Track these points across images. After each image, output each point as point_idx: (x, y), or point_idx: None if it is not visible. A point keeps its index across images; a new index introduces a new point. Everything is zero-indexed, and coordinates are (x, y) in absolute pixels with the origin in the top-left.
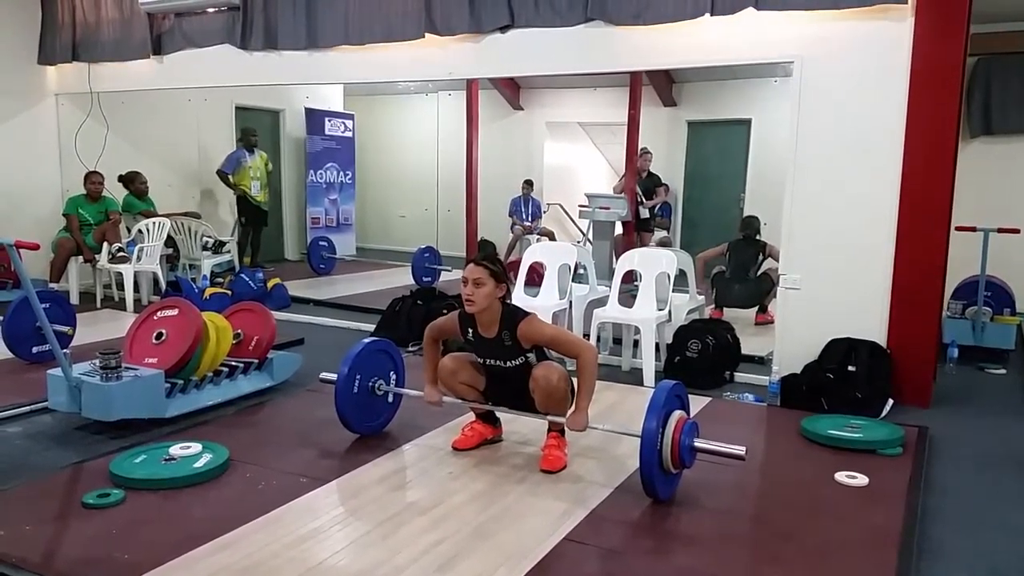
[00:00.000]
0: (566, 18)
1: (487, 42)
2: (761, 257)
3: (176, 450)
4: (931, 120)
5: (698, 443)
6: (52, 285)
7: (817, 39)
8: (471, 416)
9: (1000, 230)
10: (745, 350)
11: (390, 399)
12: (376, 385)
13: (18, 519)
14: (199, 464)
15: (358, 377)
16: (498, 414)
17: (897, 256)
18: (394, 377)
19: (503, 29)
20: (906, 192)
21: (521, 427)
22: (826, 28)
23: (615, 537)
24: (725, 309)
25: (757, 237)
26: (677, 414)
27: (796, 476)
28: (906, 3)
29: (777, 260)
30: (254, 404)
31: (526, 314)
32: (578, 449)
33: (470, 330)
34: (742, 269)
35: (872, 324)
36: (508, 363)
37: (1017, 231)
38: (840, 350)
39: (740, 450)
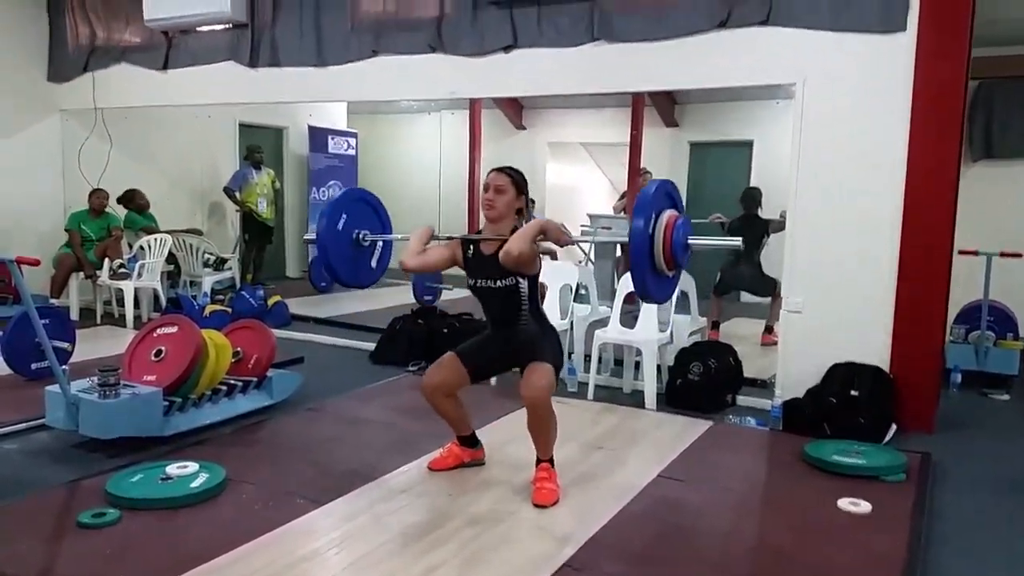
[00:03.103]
0: (570, 39)
1: (490, 62)
2: (766, 237)
3: (173, 469)
4: (933, 143)
5: (692, 240)
6: (52, 300)
7: (819, 62)
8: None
9: (1003, 254)
10: (747, 373)
11: (375, 256)
12: (360, 235)
13: (12, 537)
14: (196, 484)
15: (344, 216)
16: (482, 438)
17: (900, 280)
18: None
19: (506, 49)
20: (908, 216)
21: (517, 451)
22: (828, 51)
23: (616, 563)
24: (722, 329)
25: (759, 213)
26: (668, 213)
27: (798, 502)
28: (905, 29)
29: (782, 229)
30: (253, 423)
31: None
32: (577, 475)
33: (471, 248)
34: (746, 250)
35: (875, 348)
36: (498, 282)
37: (1020, 255)
38: (843, 375)
39: (736, 241)
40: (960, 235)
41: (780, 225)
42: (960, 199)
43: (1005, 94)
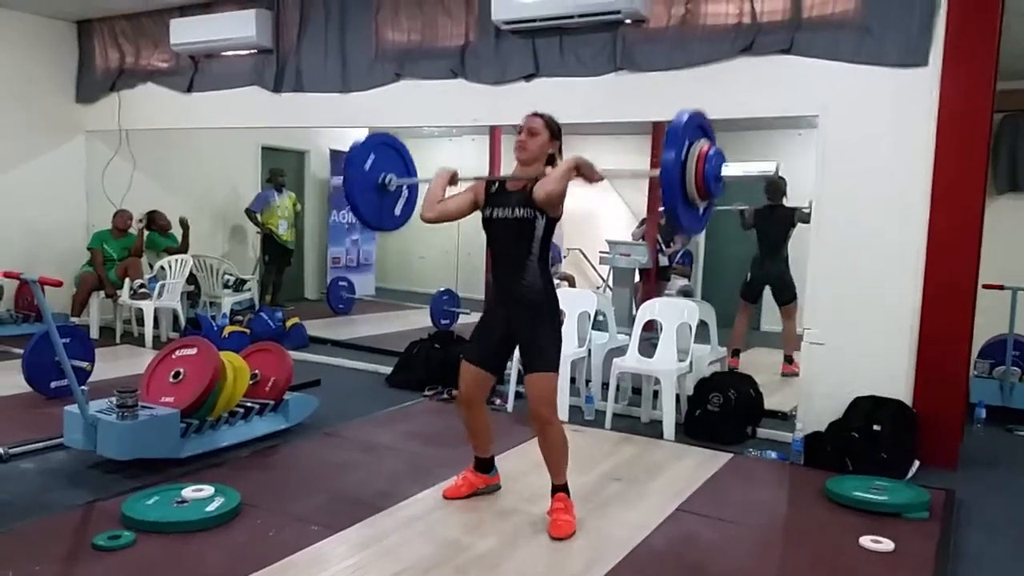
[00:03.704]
0: (592, 68)
1: (512, 90)
2: (792, 228)
3: (189, 492)
4: (958, 176)
5: (725, 171)
6: (73, 319)
7: (841, 93)
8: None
9: None
10: (768, 405)
11: (400, 203)
12: (387, 179)
13: (28, 559)
14: (211, 508)
15: (372, 157)
16: (499, 467)
17: (924, 313)
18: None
19: (528, 78)
20: (933, 248)
21: (533, 481)
22: (850, 82)
23: None
24: (742, 358)
25: (784, 202)
26: (700, 143)
27: (820, 539)
28: (928, 64)
29: (808, 221)
30: (269, 446)
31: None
32: (593, 506)
33: (495, 185)
34: (772, 244)
35: (898, 382)
36: (515, 212)
37: None
38: (865, 408)
39: (770, 165)
40: (985, 268)
41: (806, 216)
42: (985, 232)
43: None
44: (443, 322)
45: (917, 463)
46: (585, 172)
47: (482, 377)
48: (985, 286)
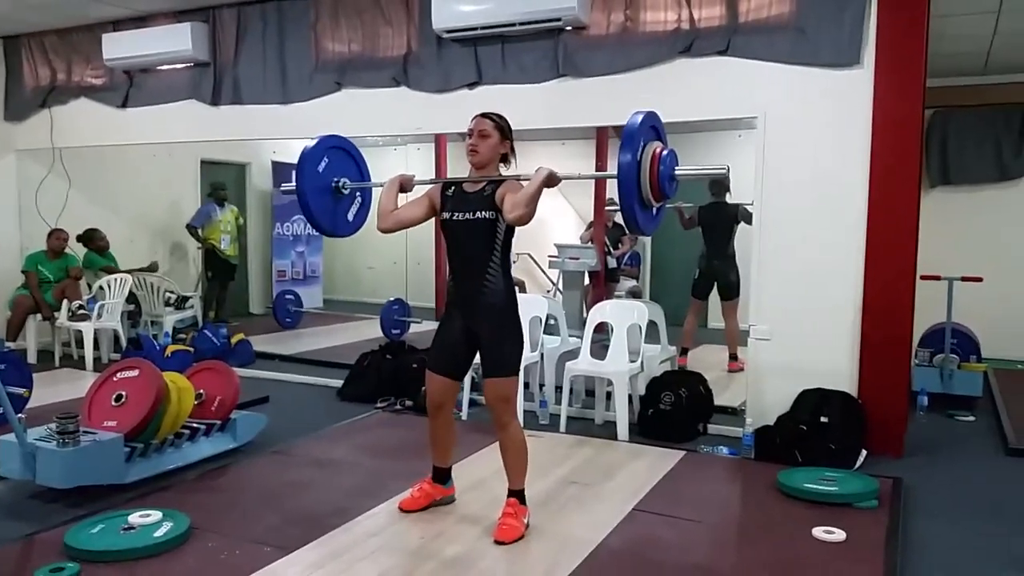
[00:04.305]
0: (535, 75)
1: (455, 98)
2: (736, 224)
3: (135, 518)
4: (894, 171)
5: (677, 171)
6: (8, 344)
7: (780, 95)
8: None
9: (964, 279)
10: (718, 401)
11: (352, 210)
12: (341, 183)
13: None
14: (159, 533)
15: (325, 160)
16: (457, 473)
17: (865, 306)
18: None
19: (471, 86)
20: (871, 242)
21: (492, 488)
22: (788, 84)
23: None
24: (690, 356)
25: (727, 199)
26: (654, 144)
27: (774, 533)
28: (861, 63)
29: (750, 222)
30: (217, 467)
31: (517, 180)
32: (552, 510)
33: (452, 188)
34: (718, 240)
35: (843, 374)
36: (476, 214)
37: (980, 280)
38: (812, 401)
39: (722, 168)
40: (922, 260)
41: (748, 216)
42: (920, 225)
43: (958, 122)
44: (394, 332)
45: (864, 452)
46: (553, 183)
47: (448, 384)
48: (923, 277)
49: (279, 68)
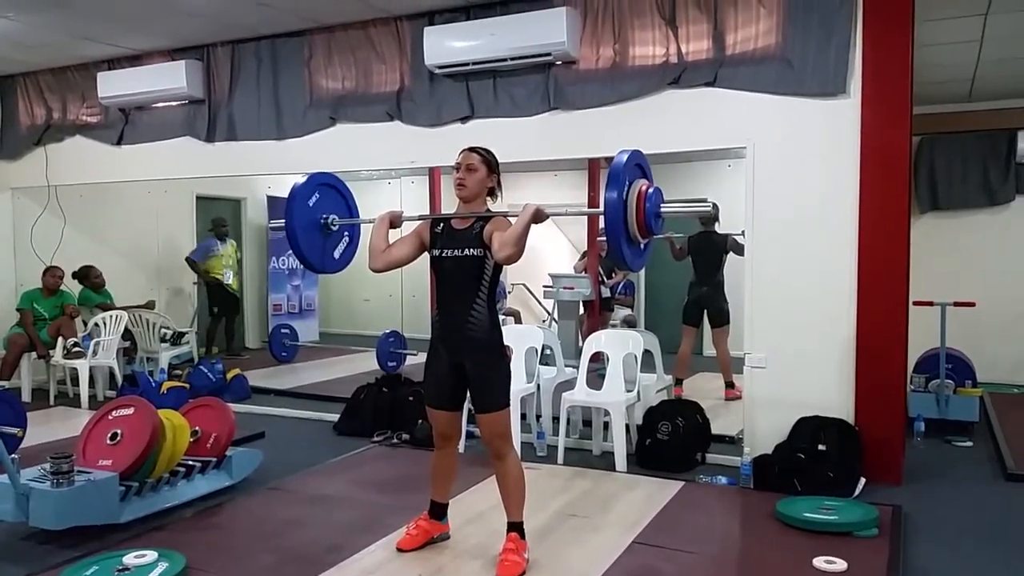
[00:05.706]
0: (526, 109)
1: (448, 131)
2: (725, 254)
3: (130, 559)
4: (884, 198)
5: (663, 208)
6: (3, 383)
7: (769, 124)
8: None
9: (956, 304)
10: (715, 430)
11: (339, 247)
12: (329, 219)
13: None
14: (154, 574)
15: (316, 196)
16: (455, 507)
17: (859, 332)
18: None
19: (463, 119)
20: (863, 269)
21: (490, 522)
22: (776, 114)
23: None
24: (685, 385)
25: (716, 228)
26: (639, 183)
27: (774, 563)
28: (849, 94)
29: (741, 253)
30: (213, 505)
31: (505, 217)
32: (551, 544)
33: (441, 224)
34: (707, 269)
35: (839, 401)
36: (465, 251)
37: (973, 304)
38: (809, 429)
39: (707, 206)
40: (913, 286)
41: (740, 248)
42: (911, 251)
43: (945, 149)
44: (390, 364)
45: (863, 480)
46: (540, 220)
47: (452, 416)
48: (916, 303)
49: (273, 104)
